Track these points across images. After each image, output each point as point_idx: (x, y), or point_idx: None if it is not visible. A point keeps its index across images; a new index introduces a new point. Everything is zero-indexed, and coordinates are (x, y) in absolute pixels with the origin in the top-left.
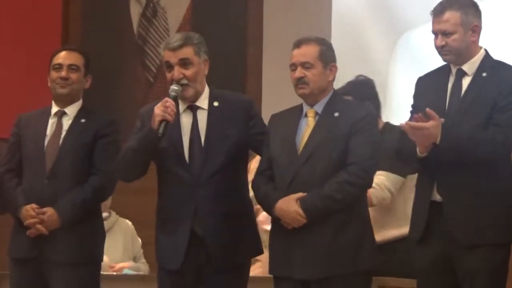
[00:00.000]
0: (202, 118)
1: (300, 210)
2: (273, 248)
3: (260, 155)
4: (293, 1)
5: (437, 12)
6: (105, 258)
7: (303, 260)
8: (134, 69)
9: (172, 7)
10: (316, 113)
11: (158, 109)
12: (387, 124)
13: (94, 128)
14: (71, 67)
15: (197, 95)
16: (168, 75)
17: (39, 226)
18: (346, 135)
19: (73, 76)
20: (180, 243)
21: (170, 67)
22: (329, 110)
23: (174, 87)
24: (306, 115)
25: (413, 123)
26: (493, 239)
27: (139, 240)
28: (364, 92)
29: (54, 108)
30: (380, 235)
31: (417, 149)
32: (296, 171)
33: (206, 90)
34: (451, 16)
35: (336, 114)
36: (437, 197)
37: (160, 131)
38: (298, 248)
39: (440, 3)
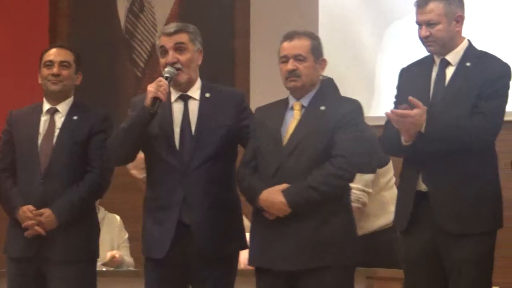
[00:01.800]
0: (193, 108)
1: (285, 201)
2: (254, 239)
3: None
4: None
5: (421, 3)
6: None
7: (285, 251)
8: (122, 64)
9: (159, 1)
10: (302, 106)
11: (151, 87)
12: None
13: (88, 124)
14: (63, 64)
15: (190, 83)
16: (162, 60)
17: (37, 228)
18: (332, 128)
19: (65, 72)
20: (167, 231)
21: (164, 52)
22: (315, 103)
23: (168, 68)
24: (292, 108)
25: (398, 111)
26: (479, 228)
27: (126, 233)
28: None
29: (46, 105)
30: (369, 225)
31: (402, 138)
32: (281, 162)
33: (199, 81)
34: (435, 6)
35: (323, 108)
36: (422, 187)
37: (152, 109)
38: (279, 240)
39: None
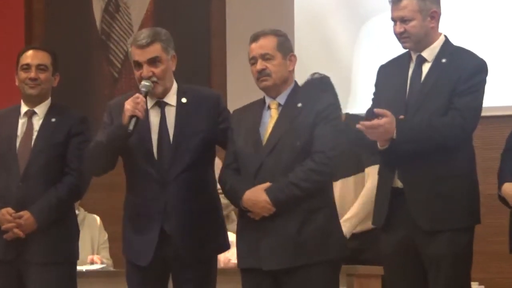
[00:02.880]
0: (170, 114)
1: (268, 199)
2: (241, 240)
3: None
4: None
5: (395, 0)
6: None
7: (271, 251)
8: (98, 65)
9: (134, 1)
10: (279, 105)
11: (128, 105)
12: (348, 115)
13: (66, 126)
14: (40, 67)
15: (166, 91)
16: (137, 73)
17: (16, 230)
18: (310, 124)
19: (42, 76)
20: (150, 240)
21: (138, 65)
22: (292, 101)
23: (145, 83)
24: (269, 107)
25: (367, 123)
26: (455, 224)
27: (106, 234)
28: (324, 90)
29: (24, 108)
30: (364, 225)
31: (378, 144)
32: (261, 161)
33: (174, 85)
34: (409, 2)
35: (299, 105)
36: (398, 183)
37: (130, 127)
38: (265, 239)
39: None
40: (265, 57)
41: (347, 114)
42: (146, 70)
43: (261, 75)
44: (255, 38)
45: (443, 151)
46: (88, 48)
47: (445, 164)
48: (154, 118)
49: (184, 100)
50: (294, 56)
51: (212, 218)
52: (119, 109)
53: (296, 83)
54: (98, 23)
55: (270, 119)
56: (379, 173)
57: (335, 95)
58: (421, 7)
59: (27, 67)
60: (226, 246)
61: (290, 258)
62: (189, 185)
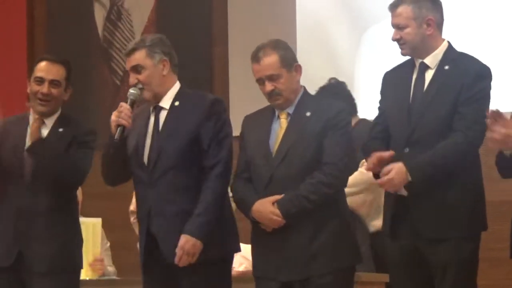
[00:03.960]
0: (162, 118)
1: (276, 211)
2: (256, 248)
3: (204, 155)
4: (257, 1)
5: (392, 7)
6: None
7: (286, 261)
8: (100, 73)
9: (136, 9)
10: (288, 114)
11: (113, 115)
12: (362, 120)
13: (71, 136)
14: (53, 83)
15: (158, 96)
16: (129, 80)
17: None
18: (319, 133)
19: (54, 91)
20: (142, 242)
21: (128, 73)
22: (300, 110)
23: (131, 90)
24: (278, 117)
25: (379, 182)
26: (459, 232)
27: (108, 242)
28: (338, 94)
29: (32, 118)
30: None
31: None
32: (272, 172)
33: (174, 90)
34: (403, 10)
35: (308, 114)
36: (403, 191)
37: (116, 136)
38: (280, 250)
39: None
40: (271, 78)
41: (360, 119)
42: (131, 77)
43: (271, 95)
44: (256, 58)
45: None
46: (90, 55)
47: (450, 172)
48: (151, 123)
49: (177, 103)
50: (299, 65)
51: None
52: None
53: (305, 89)
54: (100, 31)
55: (280, 129)
56: None
57: (348, 100)
58: (416, 15)
59: (40, 81)
60: (226, 253)
61: (305, 268)
62: (172, 187)
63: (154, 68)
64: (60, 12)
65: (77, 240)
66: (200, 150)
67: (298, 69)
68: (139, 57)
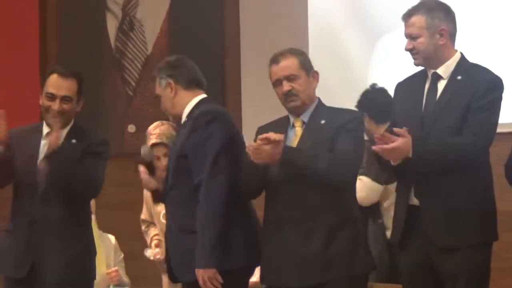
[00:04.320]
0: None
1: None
2: (263, 258)
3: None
4: (269, 10)
5: (405, 17)
6: None
7: (298, 269)
8: (113, 83)
9: (148, 19)
10: (303, 122)
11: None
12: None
13: (83, 147)
14: (65, 99)
15: (176, 118)
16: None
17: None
18: (332, 138)
19: (66, 107)
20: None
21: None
22: (315, 118)
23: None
24: (293, 126)
25: (385, 146)
26: (471, 240)
27: (121, 254)
28: (375, 101)
29: (46, 129)
30: None
31: (391, 161)
32: (283, 179)
33: (187, 110)
34: (417, 20)
35: (323, 121)
36: (415, 201)
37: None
38: (290, 257)
39: (409, 8)
40: (289, 78)
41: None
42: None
43: (288, 96)
44: (275, 60)
45: (459, 168)
46: (102, 66)
47: (462, 181)
48: None
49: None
50: (317, 72)
51: (191, 239)
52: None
53: (319, 100)
54: (112, 41)
55: (295, 137)
56: (397, 190)
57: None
58: (429, 24)
59: (51, 97)
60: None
61: (317, 275)
62: (174, 203)
63: (164, 93)
64: (72, 22)
65: (90, 250)
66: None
67: (315, 75)
68: (156, 87)
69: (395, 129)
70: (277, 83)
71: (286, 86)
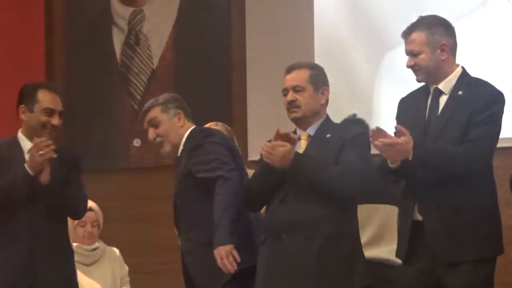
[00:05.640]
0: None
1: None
2: (260, 268)
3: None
4: (275, 24)
5: (405, 34)
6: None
7: (292, 277)
8: (118, 98)
9: (154, 34)
10: (309, 136)
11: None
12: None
13: (66, 169)
14: (61, 113)
15: (175, 147)
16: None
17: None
18: (336, 152)
19: (60, 122)
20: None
21: (146, 129)
22: (321, 132)
23: None
24: (299, 138)
25: (386, 140)
26: (475, 255)
27: (126, 267)
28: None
29: (27, 143)
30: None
31: (389, 161)
32: (286, 189)
33: (185, 137)
34: (417, 36)
35: (328, 135)
36: (418, 217)
37: None
38: (285, 267)
39: (409, 25)
40: (296, 88)
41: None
42: (150, 133)
43: (290, 106)
44: (289, 70)
45: (460, 181)
46: (108, 80)
47: (465, 195)
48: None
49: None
50: (327, 90)
51: (208, 253)
52: None
53: (328, 116)
54: (118, 55)
55: (299, 149)
56: (400, 205)
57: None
58: (429, 40)
59: (51, 112)
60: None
61: (310, 286)
62: (187, 222)
63: (169, 122)
64: (78, 37)
65: (73, 264)
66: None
67: (325, 93)
68: (155, 113)
69: (397, 126)
70: (284, 92)
71: (290, 96)
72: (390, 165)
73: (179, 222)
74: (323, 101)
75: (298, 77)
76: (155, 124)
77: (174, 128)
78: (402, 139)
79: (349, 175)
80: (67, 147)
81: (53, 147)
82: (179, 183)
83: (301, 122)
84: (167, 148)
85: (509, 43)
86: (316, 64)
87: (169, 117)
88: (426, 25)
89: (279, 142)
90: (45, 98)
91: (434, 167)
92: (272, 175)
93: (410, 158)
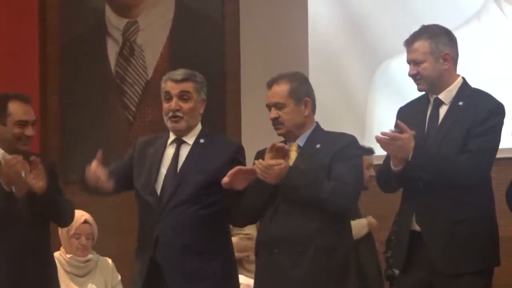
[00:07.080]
0: (184, 152)
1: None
2: (257, 281)
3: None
4: (269, 35)
5: (408, 42)
6: None
7: None
8: (113, 108)
9: (149, 45)
10: (299, 147)
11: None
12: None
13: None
14: (33, 123)
15: (188, 130)
16: (165, 105)
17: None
18: (328, 164)
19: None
20: (142, 270)
21: (169, 97)
22: (311, 142)
23: None
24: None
25: (389, 133)
26: (473, 266)
27: (119, 275)
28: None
29: (5, 156)
30: None
31: (391, 162)
32: (277, 204)
33: (198, 128)
34: (420, 45)
35: (318, 146)
36: (416, 227)
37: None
38: (279, 280)
39: (412, 34)
40: (277, 105)
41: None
42: (175, 102)
43: (274, 123)
44: (269, 84)
45: (459, 192)
46: (102, 91)
47: (463, 206)
48: (169, 153)
49: (202, 140)
50: (309, 100)
51: (206, 258)
52: (142, 146)
53: (317, 125)
54: (112, 66)
55: (289, 161)
56: (399, 215)
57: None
58: (433, 49)
59: (24, 124)
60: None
61: None
62: (183, 219)
63: (197, 103)
64: (73, 48)
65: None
66: (216, 193)
67: (307, 104)
68: (190, 87)
69: (398, 122)
70: (268, 108)
71: (273, 113)
72: (393, 168)
73: (168, 209)
74: (306, 113)
75: (278, 93)
76: (185, 97)
77: (197, 111)
78: (404, 135)
79: (343, 190)
80: (43, 153)
81: (23, 161)
82: (199, 173)
83: (288, 136)
84: (182, 125)
85: (503, 54)
86: (297, 75)
87: (198, 100)
88: (429, 34)
89: (274, 161)
90: (16, 110)
91: (434, 171)
92: (266, 191)
93: (409, 159)
